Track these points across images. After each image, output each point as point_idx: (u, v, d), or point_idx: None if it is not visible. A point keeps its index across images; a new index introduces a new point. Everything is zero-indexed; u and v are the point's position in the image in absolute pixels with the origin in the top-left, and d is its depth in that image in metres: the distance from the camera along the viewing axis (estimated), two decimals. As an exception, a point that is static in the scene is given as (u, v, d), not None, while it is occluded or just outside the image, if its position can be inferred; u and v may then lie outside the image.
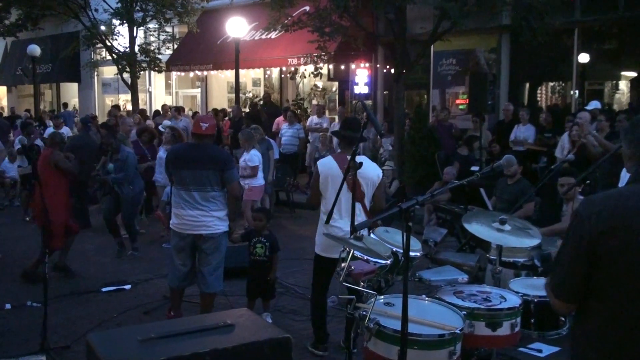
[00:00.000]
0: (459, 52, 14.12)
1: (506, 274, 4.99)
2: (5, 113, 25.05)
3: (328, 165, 5.42)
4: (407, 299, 3.22)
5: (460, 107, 14.51)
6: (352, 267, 3.87)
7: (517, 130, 11.49)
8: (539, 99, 14.18)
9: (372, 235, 4.64)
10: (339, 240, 4.23)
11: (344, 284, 3.93)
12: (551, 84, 14.14)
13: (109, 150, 9.20)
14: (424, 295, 4.19)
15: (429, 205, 9.64)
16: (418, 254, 4.69)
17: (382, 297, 4.05)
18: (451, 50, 13.82)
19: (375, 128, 4.80)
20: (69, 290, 7.45)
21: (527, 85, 14.22)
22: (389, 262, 4.13)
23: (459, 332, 3.66)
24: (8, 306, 6.85)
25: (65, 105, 23.03)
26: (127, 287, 7.58)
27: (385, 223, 5.98)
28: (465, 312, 3.92)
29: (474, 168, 10.50)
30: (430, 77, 14.75)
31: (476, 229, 4.53)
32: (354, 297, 3.91)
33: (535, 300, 4.43)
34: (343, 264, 3.91)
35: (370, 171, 5.36)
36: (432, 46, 13.07)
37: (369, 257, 4.03)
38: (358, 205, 5.07)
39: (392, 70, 13.50)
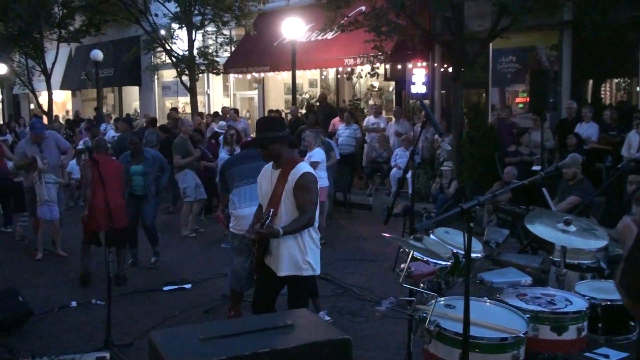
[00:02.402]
0: (519, 50, 13.82)
1: (571, 277, 4.84)
2: (70, 116, 25.88)
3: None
4: (468, 300, 3.16)
5: (520, 105, 14.21)
6: (412, 269, 3.84)
7: (580, 128, 11.18)
8: (602, 96, 13.76)
9: (431, 236, 4.58)
10: (400, 242, 4.18)
11: (404, 285, 3.88)
12: (615, 80, 13.70)
13: (132, 151, 8.72)
14: (485, 298, 4.11)
15: (488, 205, 9.47)
16: (479, 255, 4.61)
17: (442, 298, 3.99)
18: (511, 47, 13.55)
19: (434, 127, 4.66)
20: (132, 288, 7.61)
21: (590, 82, 13.82)
22: (449, 263, 4.08)
23: (522, 335, 3.57)
24: (74, 304, 7.04)
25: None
26: (188, 286, 7.70)
27: (445, 224, 5.88)
28: (529, 315, 3.82)
29: (536, 167, 10.28)
30: (489, 76, 14.48)
31: (540, 230, 4.40)
32: (414, 298, 3.87)
33: (603, 303, 4.28)
34: (402, 265, 3.87)
35: None
36: (490, 44, 12.85)
37: (428, 259, 3.99)
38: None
39: (450, 69, 13.33)
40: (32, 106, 29.38)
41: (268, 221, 4.31)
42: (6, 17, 21.02)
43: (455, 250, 4.31)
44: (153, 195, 8.66)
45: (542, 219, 4.57)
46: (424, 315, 3.68)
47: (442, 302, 3.93)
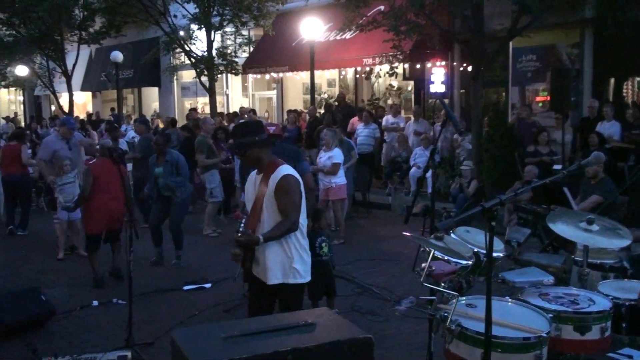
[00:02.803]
0: (540, 48, 13.70)
1: (593, 276, 4.80)
2: (83, 116, 26.08)
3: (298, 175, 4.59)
4: (490, 300, 3.14)
5: (540, 104, 14.09)
6: (433, 268, 3.82)
7: (601, 127, 11.06)
8: (624, 94, 13.60)
9: (452, 235, 4.55)
10: (421, 241, 4.17)
11: (425, 284, 3.87)
12: (637, 78, 13.53)
13: (157, 152, 8.84)
14: (507, 297, 4.08)
15: (509, 205, 9.41)
16: (501, 254, 4.58)
17: (463, 298, 3.97)
18: (531, 46, 13.42)
19: (455, 126, 4.61)
20: (153, 288, 7.65)
21: (612, 80, 13.66)
22: (470, 262, 4.06)
23: (545, 335, 3.55)
24: (95, 303, 7.11)
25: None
26: (208, 285, 7.74)
27: (465, 223, 5.85)
28: (551, 315, 3.80)
29: (557, 167, 10.20)
30: (509, 74, 14.38)
31: (562, 229, 4.37)
32: (435, 297, 3.85)
33: (627, 303, 4.24)
34: (423, 264, 3.85)
35: None
36: (510, 42, 12.75)
37: (449, 258, 3.97)
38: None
39: (469, 68, 13.25)
40: (53, 107, 29.66)
41: (241, 228, 4.22)
42: (28, 20, 21.24)
43: (476, 250, 4.28)
44: (178, 197, 8.68)
45: (564, 218, 4.53)
46: (445, 314, 3.67)
47: (464, 302, 3.91)
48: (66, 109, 23.61)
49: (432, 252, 3.81)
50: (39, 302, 6.45)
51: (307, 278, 4.46)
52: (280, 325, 3.04)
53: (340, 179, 9.99)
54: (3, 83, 28.22)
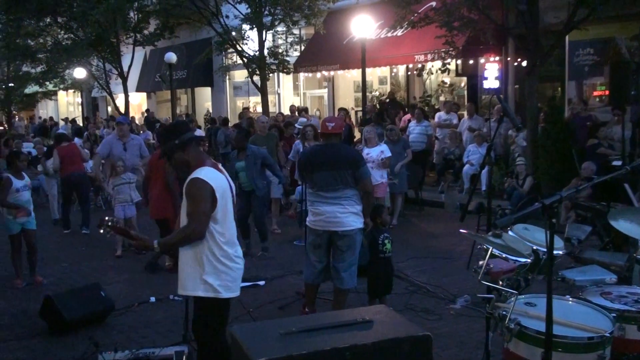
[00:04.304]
0: (597, 41, 13.35)
1: (658, 275, 4.65)
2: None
3: (220, 179, 4.18)
4: (551, 298, 3.08)
5: (598, 99, 13.75)
6: (491, 265, 3.76)
7: (662, 122, 10.73)
8: (687, 87, 13.16)
9: (510, 232, 4.47)
10: (479, 238, 4.10)
11: (482, 282, 3.81)
12: (701, 71, 13.10)
13: (237, 147, 9.09)
14: (567, 296, 3.99)
15: (566, 202, 9.20)
16: (560, 252, 4.48)
17: (522, 296, 3.90)
18: (588, 39, 13.10)
19: (512, 122, 4.51)
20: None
21: (674, 73, 13.25)
22: (529, 260, 3.98)
23: (608, 335, 3.45)
24: (153, 299, 7.24)
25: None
26: (262, 283, 7.79)
27: (522, 220, 5.75)
28: (614, 315, 3.69)
29: (616, 162, 9.93)
30: (565, 69, 14.06)
31: (624, 226, 4.24)
32: (492, 296, 3.79)
33: (694, 303, 4.09)
34: (481, 262, 3.80)
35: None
36: (567, 36, 12.47)
37: (508, 255, 3.90)
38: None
39: (524, 63, 13.01)
40: (109, 108, 30.37)
41: (109, 224, 4.11)
42: (85, 23, 21.80)
43: (535, 247, 4.19)
44: (259, 191, 8.87)
45: (626, 216, 4.40)
46: (504, 313, 3.61)
47: (522, 300, 3.84)
48: (122, 109, 24.15)
49: (490, 249, 3.75)
50: (100, 298, 6.62)
51: (226, 294, 4.13)
52: (338, 322, 3.05)
53: (381, 178, 9.96)
54: (62, 86, 29.02)
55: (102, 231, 4.14)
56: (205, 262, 4.05)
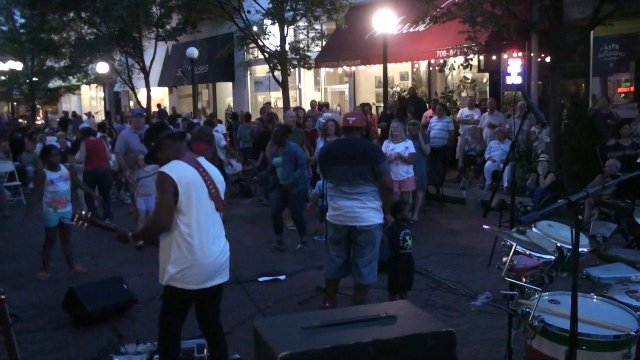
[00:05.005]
0: (623, 37, 13.17)
1: (684, 274, 4.58)
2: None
3: (187, 172, 4.27)
4: (576, 296, 3.05)
5: (623, 95, 13.58)
6: (515, 262, 3.73)
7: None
8: None
9: (534, 229, 4.43)
10: (503, 235, 4.07)
11: (506, 278, 3.78)
12: None
13: (276, 142, 9.15)
14: (592, 294, 3.95)
15: (590, 199, 9.11)
16: (585, 249, 4.43)
17: (545, 293, 3.87)
18: (613, 34, 12.92)
19: (537, 118, 4.45)
20: (229, 279, 7.75)
21: (700, 69, 13.04)
22: (553, 257, 3.95)
23: (634, 333, 3.41)
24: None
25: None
26: (282, 277, 7.81)
27: (545, 217, 5.70)
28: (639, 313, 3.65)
29: (642, 160, 9.82)
30: (589, 65, 13.90)
31: (651, 224, 4.20)
32: (516, 292, 3.76)
33: None
34: (504, 258, 3.77)
35: (219, 174, 4.53)
36: (591, 31, 12.32)
37: (532, 252, 3.87)
38: (219, 217, 4.42)
39: (548, 59, 12.88)
40: (131, 103, 30.59)
41: (81, 216, 4.25)
42: (108, 18, 21.97)
43: (559, 244, 4.15)
44: (295, 187, 8.92)
45: (652, 213, 4.35)
46: (528, 310, 3.58)
47: (546, 297, 3.81)
48: (144, 104, 24.31)
49: (514, 246, 3.72)
50: (122, 291, 6.68)
51: (181, 285, 4.24)
52: (361, 317, 3.04)
53: (411, 172, 9.96)
54: (85, 80, 29.30)
55: (76, 224, 4.28)
56: (171, 252, 4.21)
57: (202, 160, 4.45)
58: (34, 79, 29.81)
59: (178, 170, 4.19)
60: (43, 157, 8.25)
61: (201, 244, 4.22)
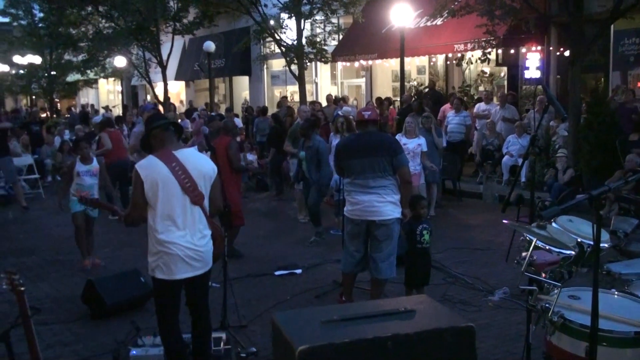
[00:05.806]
0: (644, 30, 13.04)
1: None
2: (184, 106, 26.91)
3: (155, 167, 4.30)
4: (597, 292, 3.02)
5: (643, 90, 13.42)
6: (534, 257, 3.70)
7: None
8: None
9: (554, 224, 4.38)
10: (524, 230, 4.03)
11: (526, 273, 3.74)
12: None
13: (303, 136, 9.30)
14: (613, 290, 3.91)
15: (609, 194, 9.01)
16: (606, 245, 4.38)
17: (565, 289, 3.83)
18: (634, 28, 12.77)
19: (558, 112, 4.40)
20: (246, 272, 7.80)
21: None
22: (573, 252, 3.91)
23: (656, 330, 3.37)
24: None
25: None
26: (299, 271, 7.81)
27: (564, 212, 5.64)
28: (661, 310, 3.61)
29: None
30: (609, 59, 13.75)
31: (673, 219, 4.14)
32: (535, 288, 3.73)
33: None
34: (524, 253, 3.74)
35: (205, 164, 4.51)
36: (612, 25, 12.17)
37: (551, 247, 3.84)
38: (198, 210, 4.40)
39: (567, 53, 12.75)
40: (149, 97, 30.73)
41: (81, 197, 4.95)
42: (126, 12, 22.06)
43: (579, 240, 4.10)
44: (312, 179, 9.11)
45: (675, 209, 4.29)
46: (547, 305, 3.55)
47: (566, 293, 3.77)
48: (161, 98, 24.42)
49: (534, 241, 3.68)
50: (139, 283, 6.71)
51: (158, 275, 4.35)
52: (379, 311, 3.02)
53: (418, 167, 9.92)
54: (102, 74, 29.45)
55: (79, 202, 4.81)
56: (150, 246, 4.43)
57: (183, 152, 4.44)
58: (52, 72, 30.03)
59: (145, 166, 4.32)
60: (74, 150, 8.42)
61: (168, 237, 4.31)
